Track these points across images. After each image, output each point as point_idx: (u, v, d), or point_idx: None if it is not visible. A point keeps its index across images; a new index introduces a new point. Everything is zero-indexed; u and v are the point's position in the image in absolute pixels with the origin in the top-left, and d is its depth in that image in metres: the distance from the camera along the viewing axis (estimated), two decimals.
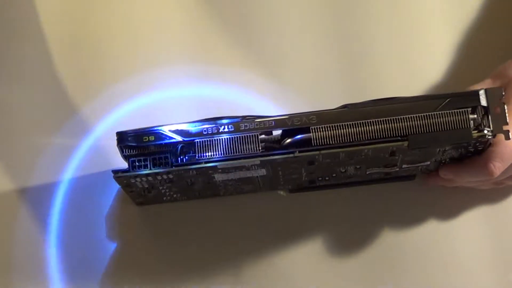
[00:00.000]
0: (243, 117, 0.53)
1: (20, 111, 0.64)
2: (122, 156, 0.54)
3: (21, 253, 0.61)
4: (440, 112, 0.52)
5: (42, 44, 0.65)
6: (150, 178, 0.54)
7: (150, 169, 0.53)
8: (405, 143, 0.52)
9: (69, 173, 0.62)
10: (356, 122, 0.52)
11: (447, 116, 0.52)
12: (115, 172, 0.54)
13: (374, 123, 0.52)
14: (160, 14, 0.67)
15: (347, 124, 0.52)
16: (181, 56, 0.66)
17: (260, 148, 0.52)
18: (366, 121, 0.52)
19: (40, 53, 0.65)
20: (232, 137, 0.52)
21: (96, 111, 0.64)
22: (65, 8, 0.67)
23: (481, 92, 0.52)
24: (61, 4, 0.67)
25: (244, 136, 0.52)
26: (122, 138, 0.53)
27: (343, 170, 0.57)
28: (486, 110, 0.52)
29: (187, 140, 0.53)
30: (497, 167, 0.54)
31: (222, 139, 0.52)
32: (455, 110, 0.52)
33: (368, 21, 0.66)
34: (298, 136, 0.52)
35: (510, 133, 0.52)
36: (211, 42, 0.66)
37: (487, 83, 0.58)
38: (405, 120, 0.52)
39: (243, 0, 0.67)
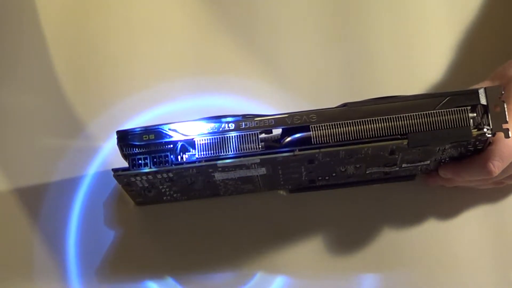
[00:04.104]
0: (243, 115, 0.53)
1: (20, 113, 0.64)
2: (122, 155, 0.54)
3: (18, 253, 0.61)
4: (440, 110, 0.52)
5: (43, 47, 0.66)
6: (150, 176, 0.54)
7: (150, 167, 0.53)
8: (405, 141, 0.52)
9: (68, 173, 0.62)
10: (356, 120, 0.52)
11: (447, 114, 0.52)
12: (115, 170, 0.54)
13: (374, 122, 0.52)
14: (162, 18, 0.67)
15: (347, 122, 0.52)
16: (181, 56, 0.66)
17: (260, 146, 0.52)
18: (366, 119, 0.52)
19: (40, 56, 0.66)
20: (232, 136, 0.52)
21: (96, 111, 0.64)
22: (66, 12, 0.67)
23: (481, 91, 0.52)
24: (62, 9, 0.67)
25: (244, 134, 0.52)
26: (122, 136, 0.53)
27: (343, 169, 0.57)
28: (485, 108, 0.52)
29: (187, 139, 0.53)
30: (497, 166, 0.54)
31: (222, 137, 0.52)
32: (455, 109, 0.52)
33: (368, 21, 0.66)
34: (298, 135, 0.52)
35: (509, 132, 0.52)
36: (211, 42, 0.66)
37: (486, 84, 0.58)
38: (404, 119, 0.52)
39: (244, 2, 0.67)
